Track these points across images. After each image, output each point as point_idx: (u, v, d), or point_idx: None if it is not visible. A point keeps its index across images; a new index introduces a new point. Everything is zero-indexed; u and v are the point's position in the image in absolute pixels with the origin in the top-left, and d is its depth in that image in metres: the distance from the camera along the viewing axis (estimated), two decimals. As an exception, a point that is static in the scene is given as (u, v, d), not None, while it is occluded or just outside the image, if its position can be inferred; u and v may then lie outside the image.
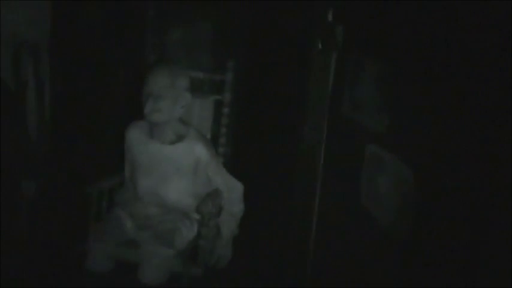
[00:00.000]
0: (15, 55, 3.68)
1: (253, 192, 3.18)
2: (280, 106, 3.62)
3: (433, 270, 1.93)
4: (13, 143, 3.11)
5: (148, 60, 3.64)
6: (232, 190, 3.08)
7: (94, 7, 3.88)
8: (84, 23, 3.87)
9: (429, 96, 2.00)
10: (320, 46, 2.94)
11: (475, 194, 1.71)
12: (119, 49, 3.91)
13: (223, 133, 3.39)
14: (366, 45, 2.59)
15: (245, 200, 3.12)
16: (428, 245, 1.96)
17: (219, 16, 3.89)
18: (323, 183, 3.11)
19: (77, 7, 3.87)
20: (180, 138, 2.98)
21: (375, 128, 2.43)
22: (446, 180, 1.86)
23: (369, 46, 2.57)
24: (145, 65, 3.72)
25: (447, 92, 1.89)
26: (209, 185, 3.05)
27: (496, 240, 1.62)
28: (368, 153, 2.48)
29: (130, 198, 3.13)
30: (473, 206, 1.72)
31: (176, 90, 2.87)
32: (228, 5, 3.84)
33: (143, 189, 3.02)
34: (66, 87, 3.92)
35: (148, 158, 3.00)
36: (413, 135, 2.12)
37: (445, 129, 1.90)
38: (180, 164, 2.96)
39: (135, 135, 3.06)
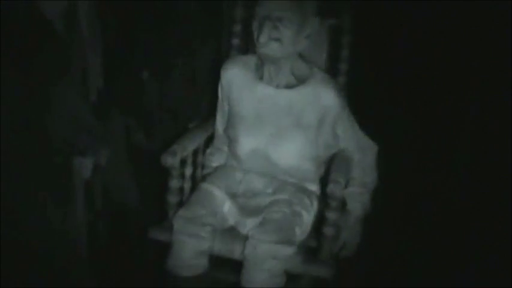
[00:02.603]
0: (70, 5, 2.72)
1: (388, 156, 2.29)
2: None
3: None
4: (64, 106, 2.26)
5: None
6: (365, 153, 2.23)
7: None
8: None
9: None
10: None
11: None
12: None
13: (343, 71, 2.47)
14: None
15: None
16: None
17: None
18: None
19: None
20: (301, 80, 2.13)
21: None
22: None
23: None
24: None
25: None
26: (333, 146, 2.19)
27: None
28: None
29: (226, 166, 2.27)
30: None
31: (303, 13, 2.02)
32: None
33: (246, 151, 2.18)
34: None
35: (256, 107, 2.16)
36: None
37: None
38: (300, 115, 2.12)
39: (236, 74, 2.21)
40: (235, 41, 2.54)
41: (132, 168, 2.91)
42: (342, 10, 2.44)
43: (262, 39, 2.00)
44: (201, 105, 3.09)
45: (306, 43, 2.08)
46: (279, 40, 2.01)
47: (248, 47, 2.49)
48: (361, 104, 2.27)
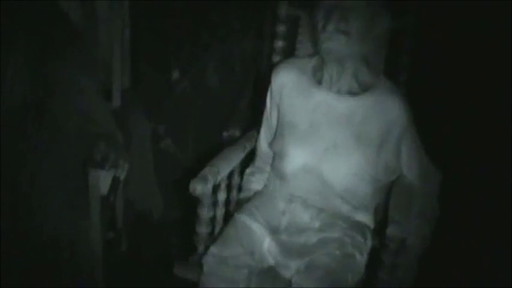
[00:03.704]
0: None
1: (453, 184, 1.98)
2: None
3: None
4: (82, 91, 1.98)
5: None
6: (427, 180, 1.89)
7: None
8: None
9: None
10: None
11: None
12: None
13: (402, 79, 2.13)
14: None
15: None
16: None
17: None
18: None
19: None
20: (364, 87, 1.83)
21: None
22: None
23: None
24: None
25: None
26: (394, 170, 1.86)
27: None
28: None
29: (267, 192, 1.96)
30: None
31: (374, 7, 1.75)
32: None
33: (295, 167, 1.85)
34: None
35: (311, 114, 1.85)
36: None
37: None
38: (360, 128, 1.81)
39: (290, 79, 1.90)
40: (279, 43, 2.22)
41: (159, 180, 2.64)
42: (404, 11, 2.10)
43: (328, 31, 1.71)
44: (238, 109, 2.79)
45: (373, 45, 1.79)
46: (347, 34, 1.72)
47: (294, 50, 2.18)
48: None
